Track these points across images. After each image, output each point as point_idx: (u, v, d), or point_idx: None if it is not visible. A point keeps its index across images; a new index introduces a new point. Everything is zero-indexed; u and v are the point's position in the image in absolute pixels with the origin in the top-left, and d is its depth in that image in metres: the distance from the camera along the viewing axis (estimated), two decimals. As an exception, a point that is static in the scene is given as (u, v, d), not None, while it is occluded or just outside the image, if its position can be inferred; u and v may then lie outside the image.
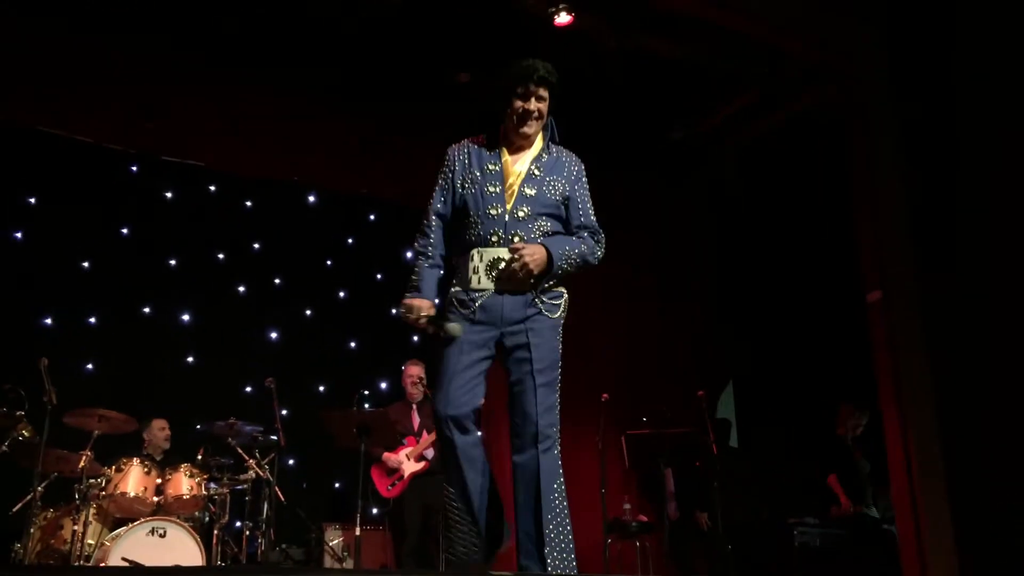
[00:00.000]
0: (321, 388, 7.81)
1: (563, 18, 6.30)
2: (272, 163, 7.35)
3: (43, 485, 5.48)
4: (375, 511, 7.03)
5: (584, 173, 3.50)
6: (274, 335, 7.77)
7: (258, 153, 7.29)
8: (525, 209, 3.30)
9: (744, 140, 8.11)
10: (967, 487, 5.90)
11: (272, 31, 6.72)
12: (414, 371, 6.55)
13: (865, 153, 6.71)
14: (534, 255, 3.20)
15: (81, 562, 5.32)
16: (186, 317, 7.43)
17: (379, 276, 8.33)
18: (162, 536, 5.40)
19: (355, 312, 8.14)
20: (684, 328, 8.43)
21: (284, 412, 6.27)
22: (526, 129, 3.37)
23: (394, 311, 3.21)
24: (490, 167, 3.38)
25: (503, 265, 3.24)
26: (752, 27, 6.59)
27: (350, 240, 8.38)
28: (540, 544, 3.14)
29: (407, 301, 3.29)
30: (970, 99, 6.24)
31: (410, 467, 6.28)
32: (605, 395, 6.78)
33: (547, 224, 3.33)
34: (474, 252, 3.29)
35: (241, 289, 7.68)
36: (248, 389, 7.15)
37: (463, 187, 3.38)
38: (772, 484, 7.06)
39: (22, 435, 5.48)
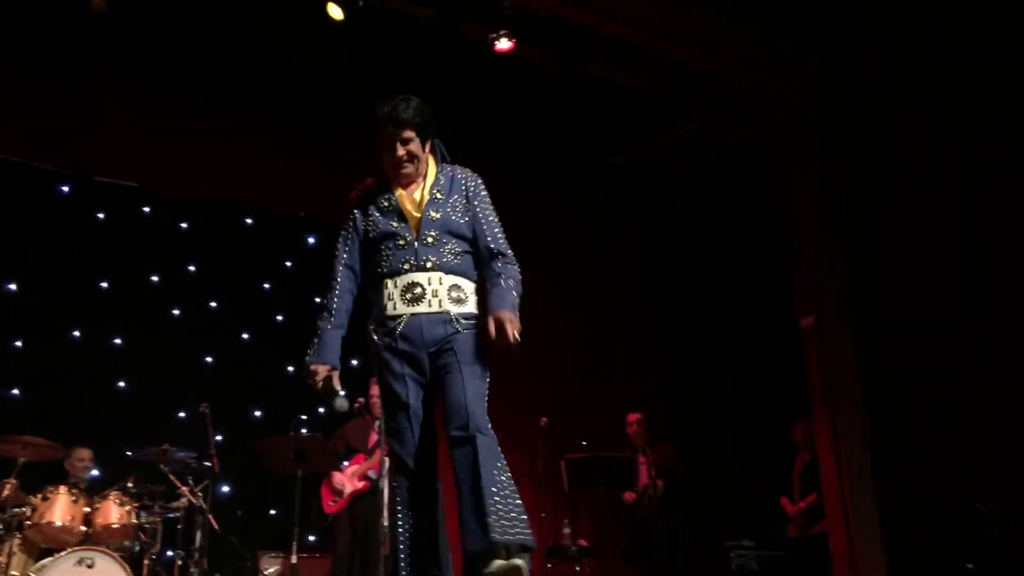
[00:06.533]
0: (257, 413, 7.64)
1: (504, 44, 6.31)
2: (209, 185, 7.25)
3: (-36, 514, 5.28)
4: (312, 538, 6.89)
5: (482, 186, 3.51)
6: (209, 359, 7.60)
7: (194, 174, 7.20)
8: (433, 234, 3.34)
9: (691, 165, 8.26)
10: (896, 499, 6.24)
11: (205, 49, 6.69)
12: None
13: (800, 181, 6.95)
14: (512, 322, 3.18)
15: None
16: (118, 340, 7.23)
17: (317, 300, 8.17)
18: (90, 566, 5.27)
19: (293, 336, 7.98)
20: (623, 351, 8.47)
21: (219, 437, 6.15)
22: (404, 171, 3.40)
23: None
24: (384, 204, 3.42)
25: (418, 290, 3.28)
26: (698, 58, 6.78)
27: (288, 263, 8.25)
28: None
29: (311, 367, 3.31)
30: (906, 132, 6.50)
31: (351, 485, 6.19)
32: (544, 419, 6.79)
33: (456, 245, 3.37)
34: (387, 281, 3.33)
35: (176, 312, 7.51)
36: (182, 414, 6.96)
37: (367, 231, 3.44)
38: (711, 507, 7.12)
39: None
